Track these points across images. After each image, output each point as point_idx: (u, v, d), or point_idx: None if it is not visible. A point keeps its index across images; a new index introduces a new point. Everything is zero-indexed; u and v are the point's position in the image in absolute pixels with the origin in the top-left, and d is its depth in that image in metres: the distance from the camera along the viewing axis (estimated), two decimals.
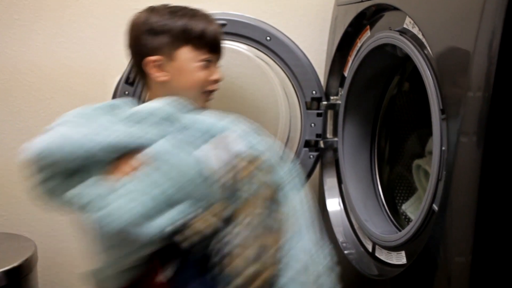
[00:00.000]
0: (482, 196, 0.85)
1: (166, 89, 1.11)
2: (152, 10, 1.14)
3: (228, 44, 1.52)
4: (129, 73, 1.49)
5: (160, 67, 1.11)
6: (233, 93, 1.59)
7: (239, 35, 1.46)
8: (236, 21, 1.46)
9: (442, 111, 0.94)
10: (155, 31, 1.10)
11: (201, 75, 1.13)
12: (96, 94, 1.57)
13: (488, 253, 0.86)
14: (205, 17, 1.14)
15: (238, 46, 1.49)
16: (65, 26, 1.54)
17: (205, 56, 1.13)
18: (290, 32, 1.51)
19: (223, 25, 1.46)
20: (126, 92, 1.50)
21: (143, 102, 1.13)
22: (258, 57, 1.52)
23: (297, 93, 1.47)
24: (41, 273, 1.60)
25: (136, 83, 1.49)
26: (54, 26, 1.55)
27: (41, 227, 1.63)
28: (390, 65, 1.34)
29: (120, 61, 1.55)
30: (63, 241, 1.65)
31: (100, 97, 1.57)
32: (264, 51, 1.44)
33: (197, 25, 1.11)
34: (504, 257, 0.86)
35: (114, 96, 1.55)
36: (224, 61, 1.51)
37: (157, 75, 1.11)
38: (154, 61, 1.10)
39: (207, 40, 1.13)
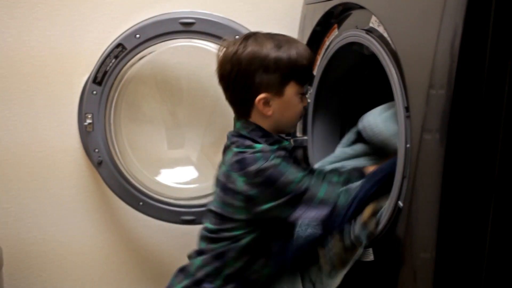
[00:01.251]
0: (445, 192, 0.86)
1: (268, 121, 1.17)
2: (256, 41, 1.15)
3: (197, 44, 1.51)
4: (97, 72, 1.47)
5: (267, 102, 1.15)
6: (204, 92, 1.59)
7: (208, 34, 1.46)
8: (205, 20, 1.46)
9: (407, 109, 0.96)
10: (268, 68, 1.13)
11: (301, 106, 1.20)
12: (63, 94, 1.55)
13: (451, 248, 0.87)
14: (303, 48, 1.17)
15: (207, 45, 1.49)
16: (31, 24, 1.51)
17: (304, 88, 1.20)
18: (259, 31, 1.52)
19: (192, 23, 1.46)
20: (94, 92, 1.48)
21: (236, 128, 1.21)
22: None
23: None
24: (8, 278, 1.57)
25: (104, 83, 1.47)
26: (20, 24, 1.52)
27: (7, 230, 1.60)
28: (358, 63, 1.35)
29: (88, 60, 1.54)
30: (31, 245, 1.62)
31: (68, 96, 1.56)
32: None
33: (302, 60, 1.15)
34: (467, 252, 0.87)
35: (81, 96, 1.53)
36: (194, 61, 1.52)
37: (266, 110, 1.16)
38: (264, 98, 1.14)
39: (309, 74, 1.21)
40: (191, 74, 1.52)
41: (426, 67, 0.88)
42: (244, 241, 1.16)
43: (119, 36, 1.49)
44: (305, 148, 1.48)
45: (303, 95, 1.20)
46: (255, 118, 1.18)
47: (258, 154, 1.13)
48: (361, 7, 1.15)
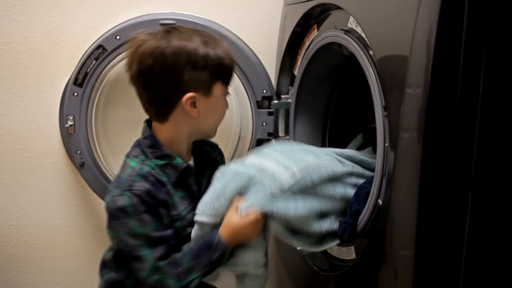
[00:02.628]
0: (423, 190, 0.87)
1: (190, 124, 1.08)
2: (181, 35, 1.04)
3: None
4: (78, 73, 1.46)
5: (194, 103, 1.05)
6: None
7: None
8: (185, 21, 1.46)
9: (385, 108, 0.97)
10: (197, 65, 1.03)
11: (225, 109, 1.13)
12: (44, 95, 1.54)
13: (430, 245, 0.88)
14: (227, 47, 1.09)
15: None
16: (10, 26, 1.50)
17: (227, 89, 1.11)
18: (240, 32, 1.52)
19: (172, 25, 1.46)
20: (75, 94, 1.47)
21: (149, 130, 1.11)
22: None
23: (248, 92, 1.48)
24: None
25: (85, 84, 1.47)
26: None
27: None
28: (338, 63, 1.37)
29: (68, 61, 1.53)
30: (13, 247, 1.61)
31: (49, 98, 1.55)
32: None
33: (228, 59, 1.07)
34: (446, 249, 0.88)
35: (62, 97, 1.52)
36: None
37: (192, 112, 1.05)
38: (193, 97, 1.04)
39: (232, 73, 1.10)
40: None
41: (402, 67, 0.89)
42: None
43: (99, 38, 1.48)
44: None
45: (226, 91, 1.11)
46: (174, 120, 1.07)
47: (123, 177, 1.05)
48: (339, 8, 1.16)
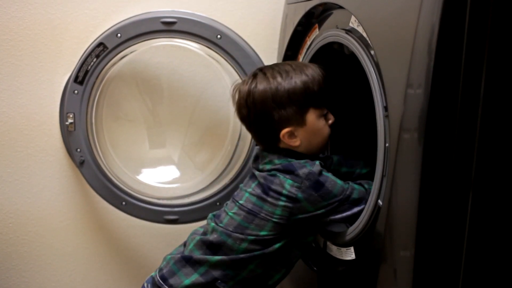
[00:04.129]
0: (423, 191, 0.87)
1: (298, 149, 1.15)
2: (264, 76, 1.13)
3: (178, 43, 1.51)
4: (78, 71, 1.46)
5: (292, 134, 1.13)
6: (184, 92, 1.58)
7: (189, 33, 1.46)
8: (186, 19, 1.46)
9: (385, 108, 0.96)
10: (282, 104, 1.11)
11: (327, 127, 1.18)
12: (44, 93, 1.54)
13: (430, 246, 0.88)
14: (312, 70, 1.15)
15: (188, 45, 1.48)
16: (10, 22, 1.50)
17: (325, 109, 1.17)
18: (241, 31, 1.52)
19: (173, 23, 1.46)
20: (76, 91, 1.47)
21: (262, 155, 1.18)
22: (209, 55, 1.52)
23: None
24: None
25: (85, 82, 1.46)
26: None
27: None
28: (339, 63, 1.36)
29: (69, 59, 1.53)
30: (12, 245, 1.61)
31: (49, 95, 1.54)
32: (215, 50, 1.45)
33: (313, 85, 1.13)
34: (446, 250, 0.88)
35: (63, 95, 1.52)
36: (175, 60, 1.51)
37: (292, 142, 1.14)
38: (288, 132, 1.13)
39: (324, 94, 1.15)
40: (173, 74, 1.52)
41: (403, 67, 0.88)
42: (270, 249, 1.13)
43: (100, 35, 1.48)
44: None
45: (326, 114, 1.18)
46: (282, 145, 1.17)
47: (303, 161, 1.12)
48: (341, 7, 1.16)
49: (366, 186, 1.14)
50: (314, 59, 1.31)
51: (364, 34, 1.04)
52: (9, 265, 1.62)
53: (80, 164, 1.51)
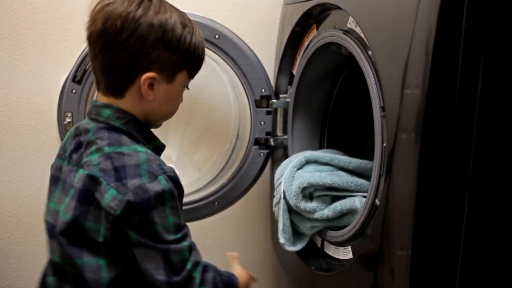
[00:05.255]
0: (420, 191, 0.87)
1: (141, 108, 0.96)
2: (161, 7, 0.93)
3: None
4: (76, 71, 1.46)
5: (152, 85, 0.94)
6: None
7: None
8: None
9: (383, 108, 0.97)
10: (170, 45, 0.93)
11: (180, 103, 1.02)
12: (42, 92, 1.54)
13: (427, 246, 0.89)
14: (201, 37, 0.99)
15: None
16: (8, 21, 1.50)
17: (189, 82, 1.01)
18: (239, 31, 1.52)
19: None
20: (74, 91, 1.47)
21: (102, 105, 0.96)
22: (207, 55, 1.51)
23: (246, 91, 1.48)
24: None
25: (83, 81, 1.46)
26: None
27: None
28: (336, 63, 1.37)
29: (67, 58, 1.53)
30: (10, 244, 1.61)
31: (47, 95, 1.54)
32: (213, 50, 1.44)
33: (200, 50, 0.98)
34: (443, 249, 0.88)
35: (61, 94, 1.52)
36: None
37: (148, 94, 0.94)
38: (153, 78, 0.93)
39: (200, 66, 1.01)
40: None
41: (401, 67, 0.89)
42: (105, 277, 0.90)
43: None
44: (285, 148, 1.49)
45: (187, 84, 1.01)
46: (128, 100, 0.94)
47: (143, 163, 0.89)
48: (339, 8, 1.16)
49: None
50: (312, 59, 1.32)
51: (362, 35, 1.05)
52: (7, 264, 1.62)
53: None
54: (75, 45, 1.52)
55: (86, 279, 0.90)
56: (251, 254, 1.74)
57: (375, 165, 0.99)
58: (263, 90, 1.47)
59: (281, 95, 1.48)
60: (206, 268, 0.98)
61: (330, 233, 1.22)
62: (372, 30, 1.01)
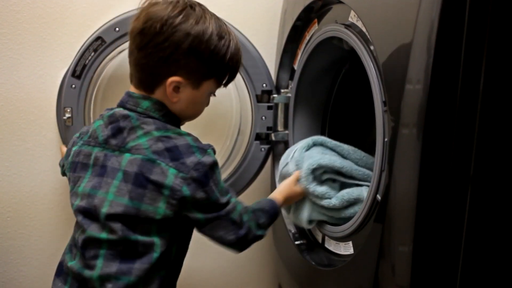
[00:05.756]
0: (422, 186, 0.87)
1: (169, 105, 1.02)
2: (201, 17, 0.98)
3: None
4: (76, 65, 1.46)
5: (177, 88, 1.00)
6: None
7: None
8: None
9: (385, 103, 0.96)
10: (200, 56, 0.97)
11: (205, 107, 1.08)
12: (41, 87, 1.53)
13: (428, 241, 0.89)
14: (238, 46, 1.04)
15: None
16: (7, 15, 1.49)
17: (217, 89, 1.06)
18: (240, 25, 1.51)
19: None
20: (73, 86, 1.47)
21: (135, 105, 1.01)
22: None
23: (248, 86, 1.47)
24: None
25: (83, 76, 1.46)
26: None
27: None
28: (338, 58, 1.36)
29: (66, 53, 1.52)
30: (10, 239, 1.61)
31: (46, 90, 1.54)
32: None
33: (234, 61, 1.03)
34: (444, 245, 0.88)
35: (60, 89, 1.52)
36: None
37: (172, 96, 1.00)
38: (178, 82, 0.99)
39: (233, 77, 1.06)
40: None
41: (403, 62, 0.88)
42: (156, 251, 0.98)
43: (98, 29, 1.47)
44: (286, 143, 1.48)
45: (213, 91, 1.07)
46: (158, 96, 1.01)
47: (191, 142, 0.98)
48: (340, 2, 1.15)
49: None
50: (313, 54, 1.31)
51: (364, 29, 1.04)
52: (7, 259, 1.62)
53: None
54: (75, 39, 1.51)
55: (137, 254, 0.97)
56: (252, 249, 1.72)
57: (376, 160, 0.99)
58: (264, 85, 1.47)
59: (282, 90, 1.48)
60: (253, 211, 1.08)
61: (331, 228, 1.22)
62: (374, 24, 1.00)
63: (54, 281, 1.05)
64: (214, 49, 0.98)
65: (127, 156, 0.98)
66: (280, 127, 1.50)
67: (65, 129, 1.50)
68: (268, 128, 1.50)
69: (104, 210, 0.97)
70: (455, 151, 0.86)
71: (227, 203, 1.01)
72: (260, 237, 1.09)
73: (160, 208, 0.96)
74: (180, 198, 0.96)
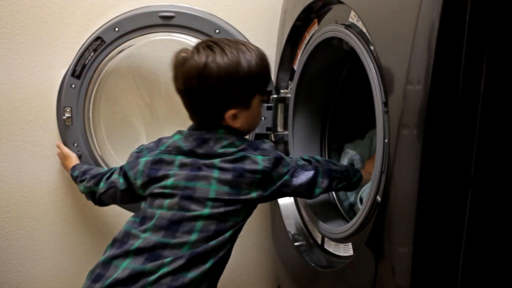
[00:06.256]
0: (422, 187, 0.87)
1: (234, 129, 1.15)
2: (221, 54, 1.09)
3: (176, 37, 1.50)
4: (76, 65, 1.46)
5: (235, 116, 1.13)
6: None
7: (187, 28, 1.45)
8: (184, 14, 1.45)
9: (385, 104, 0.96)
10: (238, 86, 1.10)
11: (261, 115, 1.25)
12: (41, 87, 1.53)
13: (429, 243, 0.88)
14: (262, 56, 1.15)
15: (186, 39, 1.47)
16: (6, 15, 1.49)
17: (264, 96, 1.19)
18: (240, 25, 1.51)
19: (171, 17, 1.45)
20: (73, 86, 1.46)
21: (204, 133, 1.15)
22: None
23: None
24: None
25: (82, 76, 1.46)
26: None
27: None
28: (338, 58, 1.36)
29: (66, 53, 1.52)
30: (9, 240, 1.61)
31: (46, 90, 1.54)
32: None
33: (264, 73, 1.14)
34: (444, 246, 0.88)
35: (60, 89, 1.51)
36: (173, 54, 1.49)
37: (234, 123, 1.14)
38: (233, 113, 1.12)
39: (268, 82, 1.19)
40: (170, 68, 1.52)
41: (403, 63, 0.88)
42: (230, 232, 1.11)
43: (98, 29, 1.47)
44: (286, 143, 1.48)
45: (264, 99, 1.20)
46: (223, 126, 1.15)
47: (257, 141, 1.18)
48: (340, 2, 1.15)
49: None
50: (313, 55, 1.31)
51: (364, 30, 1.04)
52: (5, 260, 1.62)
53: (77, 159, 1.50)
54: (74, 39, 1.51)
55: (226, 232, 1.10)
56: (251, 250, 1.74)
57: (376, 161, 0.99)
58: None
59: (282, 91, 1.48)
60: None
61: (331, 229, 1.22)
62: (374, 24, 1.00)
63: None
64: (247, 73, 1.10)
65: (217, 160, 1.11)
66: (279, 128, 1.50)
67: (64, 128, 1.49)
68: (268, 129, 1.49)
69: (209, 195, 1.10)
70: (455, 152, 0.85)
71: (291, 160, 1.21)
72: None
73: (252, 190, 1.12)
74: (268, 175, 1.13)
